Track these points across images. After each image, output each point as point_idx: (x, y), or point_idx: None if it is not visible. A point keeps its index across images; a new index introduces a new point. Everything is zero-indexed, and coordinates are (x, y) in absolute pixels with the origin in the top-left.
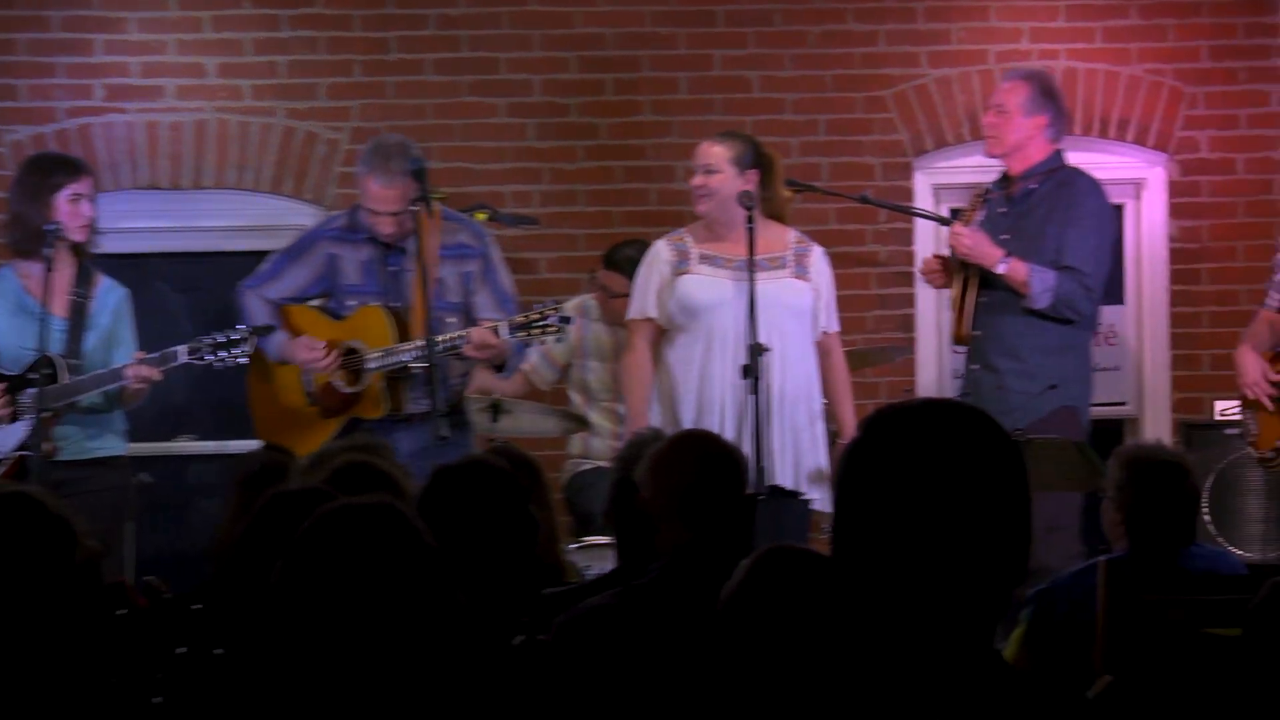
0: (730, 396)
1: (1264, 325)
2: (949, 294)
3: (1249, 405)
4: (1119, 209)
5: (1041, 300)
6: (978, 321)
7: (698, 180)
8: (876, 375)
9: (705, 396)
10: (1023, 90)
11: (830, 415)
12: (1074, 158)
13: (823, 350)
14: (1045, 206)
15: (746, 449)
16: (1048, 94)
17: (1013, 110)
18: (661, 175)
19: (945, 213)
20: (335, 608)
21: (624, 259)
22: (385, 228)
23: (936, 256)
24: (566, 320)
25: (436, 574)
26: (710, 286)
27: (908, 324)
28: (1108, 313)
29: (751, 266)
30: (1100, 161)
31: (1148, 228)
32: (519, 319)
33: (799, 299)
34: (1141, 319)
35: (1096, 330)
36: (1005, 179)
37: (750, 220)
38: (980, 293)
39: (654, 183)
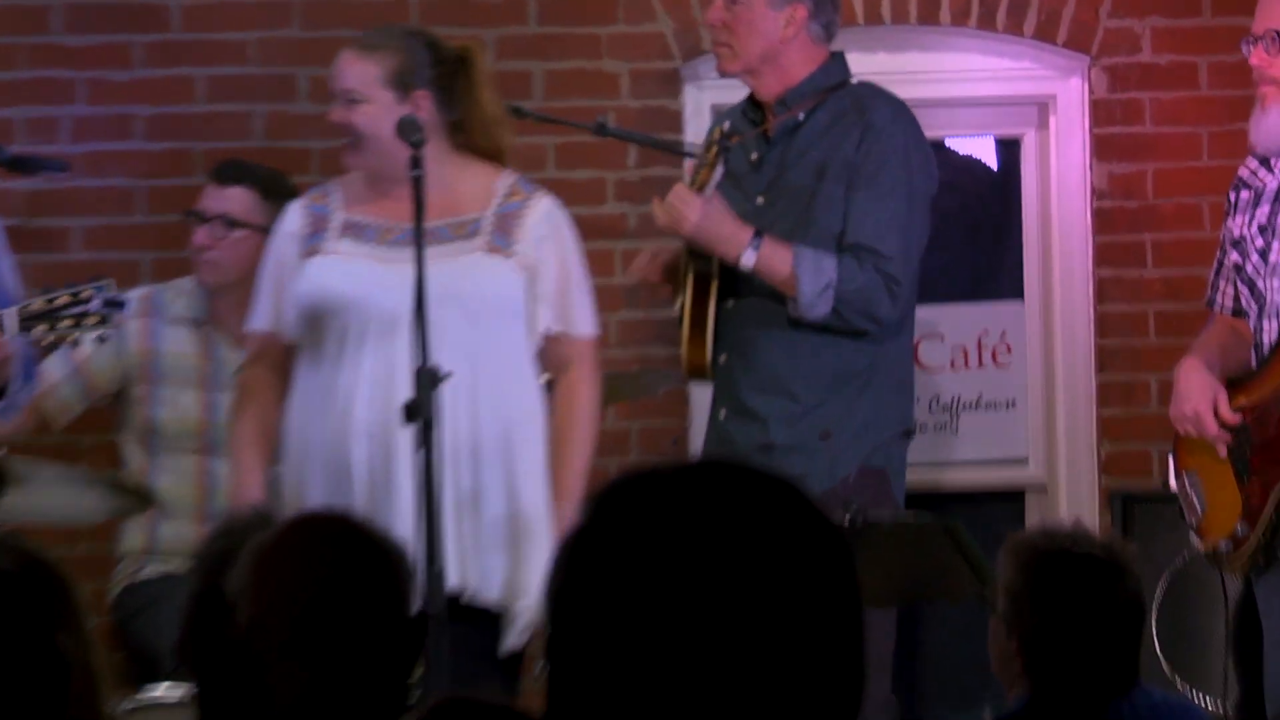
0: (384, 453)
1: (1219, 333)
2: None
3: (1189, 456)
4: (1009, 146)
5: (818, 305)
6: (722, 342)
7: (336, 115)
8: (625, 416)
9: (341, 453)
10: None
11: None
12: (903, 63)
13: (554, 366)
14: (819, 151)
15: (413, 539)
16: None
17: None
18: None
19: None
20: None
21: (271, 181)
22: None
23: (652, 251)
24: (117, 305)
25: None
26: (347, 274)
27: (672, 333)
28: (998, 315)
29: (419, 239)
30: (967, 69)
31: (1058, 177)
32: (36, 305)
33: (498, 286)
34: (1050, 325)
35: (905, 342)
36: (754, 109)
37: (416, 165)
38: (723, 299)
39: (259, 102)
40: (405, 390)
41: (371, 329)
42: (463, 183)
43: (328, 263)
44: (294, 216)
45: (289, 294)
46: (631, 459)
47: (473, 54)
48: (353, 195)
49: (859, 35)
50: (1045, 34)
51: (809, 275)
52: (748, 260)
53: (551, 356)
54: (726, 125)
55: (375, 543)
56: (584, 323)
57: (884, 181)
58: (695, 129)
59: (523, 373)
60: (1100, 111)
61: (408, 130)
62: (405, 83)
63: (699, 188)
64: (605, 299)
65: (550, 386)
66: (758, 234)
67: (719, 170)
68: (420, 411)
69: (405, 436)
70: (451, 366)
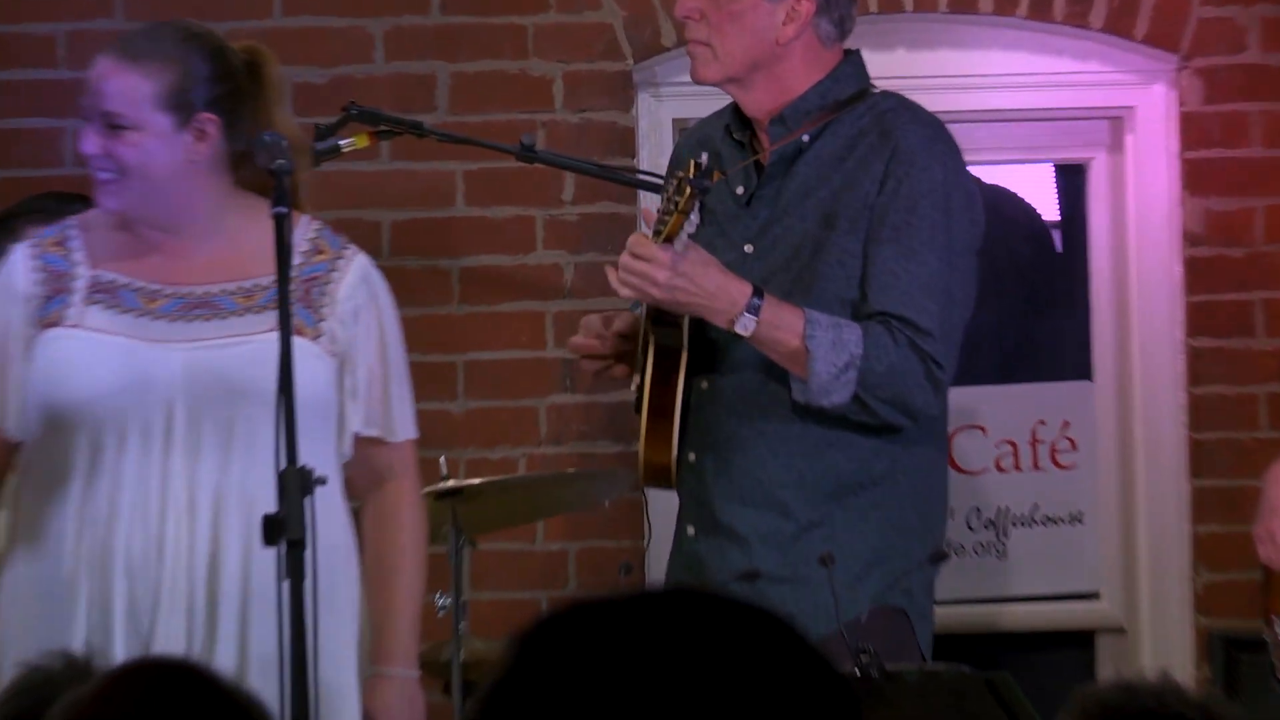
0: (151, 599)
1: None
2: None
3: (1272, 581)
4: (1072, 175)
5: (835, 389)
6: (693, 436)
7: (90, 144)
8: (559, 535)
9: (99, 596)
10: None
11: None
12: (930, 65)
13: (368, 480)
14: (829, 187)
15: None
16: None
17: None
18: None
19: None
20: None
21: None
22: None
23: (601, 318)
24: None
25: None
26: (98, 357)
27: (625, 422)
28: (1058, 399)
29: (284, 295)
30: (1015, 74)
31: (1137, 216)
32: None
33: (300, 377)
34: (1127, 412)
35: (937, 438)
36: (740, 124)
37: (281, 199)
38: (694, 377)
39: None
40: (180, 515)
41: (134, 435)
42: (249, 235)
43: (72, 340)
44: (21, 269)
45: (14, 380)
46: (569, 590)
47: (263, 61)
48: (101, 246)
49: (872, 28)
50: (1119, 26)
51: (825, 349)
52: (745, 325)
53: (363, 467)
54: (704, 158)
55: (232, 701)
56: (405, 422)
57: (918, 230)
58: (652, 151)
59: (329, 493)
60: (1192, 129)
61: (270, 153)
62: (184, 102)
63: (666, 238)
64: (534, 378)
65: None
66: (758, 292)
67: (693, 219)
68: (284, 529)
69: (175, 577)
70: (234, 486)
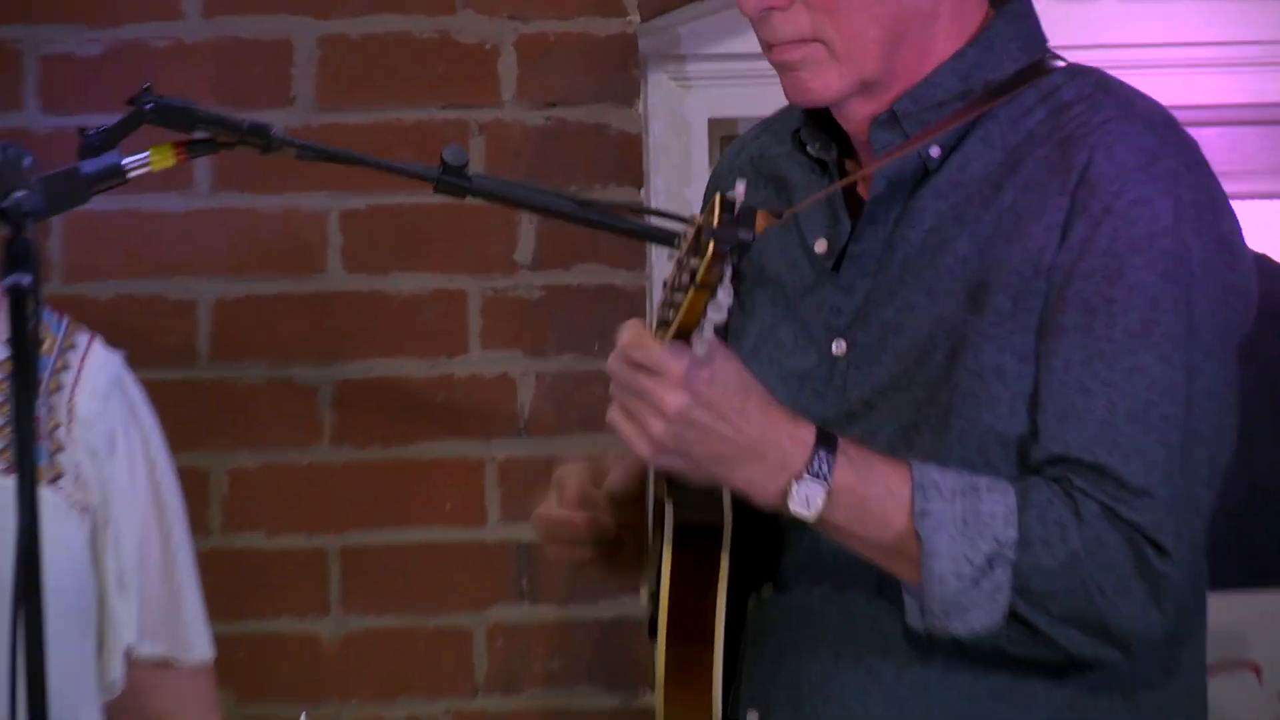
0: None
1: None
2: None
3: None
4: None
5: (971, 606)
6: (753, 685)
7: None
8: None
9: None
10: None
11: None
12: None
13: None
14: (978, 236)
15: None
16: None
17: None
18: None
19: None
20: None
21: None
22: None
23: (590, 466)
24: None
25: None
26: None
27: (628, 648)
28: None
29: (26, 433)
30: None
31: None
32: None
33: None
34: None
35: (1179, 673)
36: (820, 137)
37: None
38: (755, 579)
39: None
40: None
41: None
42: None
43: None
44: None
45: None
46: None
47: None
48: None
49: None
50: None
51: (950, 534)
52: (806, 500)
53: (141, 698)
54: (740, 189)
55: None
56: (199, 631)
57: (1127, 312)
58: (674, 173)
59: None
60: None
61: (105, 178)
62: None
63: (678, 334)
64: (467, 577)
65: None
66: (826, 440)
67: (721, 298)
68: None
69: None
70: None
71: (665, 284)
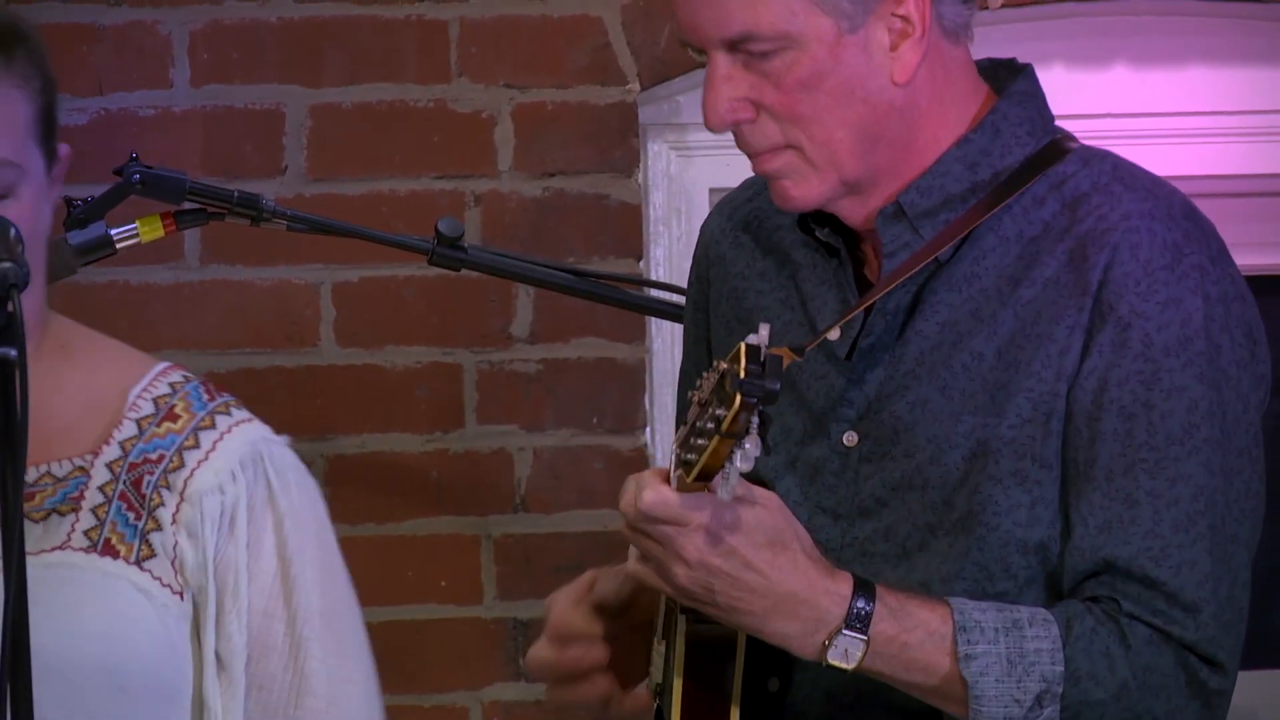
0: None
1: None
2: None
3: None
4: None
5: None
6: None
7: None
8: None
9: None
10: None
11: None
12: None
13: None
14: (996, 335)
15: None
16: None
17: (800, 12)
18: None
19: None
20: None
21: None
22: None
23: (577, 587)
24: None
25: None
26: None
27: None
28: None
29: (14, 506)
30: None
31: None
32: None
33: (126, 642)
34: None
35: None
36: (822, 217)
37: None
38: (761, 677)
39: None
40: None
41: None
42: (64, 380)
43: None
44: None
45: None
46: None
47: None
48: None
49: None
50: None
51: (996, 675)
52: (844, 654)
53: None
54: (763, 332)
55: None
56: None
57: (1166, 419)
58: (677, 244)
59: None
60: None
61: (93, 249)
62: (52, 132)
63: (699, 476)
64: (462, 653)
65: None
66: (864, 590)
67: (748, 447)
68: None
69: None
70: None
71: (685, 423)
